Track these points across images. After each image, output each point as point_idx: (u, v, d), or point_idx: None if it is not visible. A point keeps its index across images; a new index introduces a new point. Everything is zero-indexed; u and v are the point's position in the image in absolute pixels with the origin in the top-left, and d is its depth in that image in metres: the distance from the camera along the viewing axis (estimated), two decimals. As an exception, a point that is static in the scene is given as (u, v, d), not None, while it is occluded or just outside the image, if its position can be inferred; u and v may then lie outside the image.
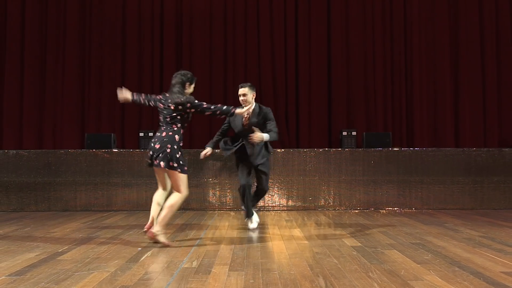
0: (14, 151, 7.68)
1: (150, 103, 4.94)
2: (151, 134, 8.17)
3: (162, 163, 4.55)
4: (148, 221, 4.75)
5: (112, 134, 8.09)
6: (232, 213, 7.20)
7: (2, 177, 7.56)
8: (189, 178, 7.44)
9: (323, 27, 9.16)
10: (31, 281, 3.32)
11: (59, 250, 4.38)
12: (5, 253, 4.27)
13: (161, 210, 4.75)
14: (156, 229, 4.59)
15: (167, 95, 4.85)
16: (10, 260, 3.98)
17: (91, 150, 7.65)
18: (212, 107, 4.78)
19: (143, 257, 4.08)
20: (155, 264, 3.82)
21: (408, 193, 7.60)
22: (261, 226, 5.88)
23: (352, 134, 8.24)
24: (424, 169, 7.62)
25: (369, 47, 9.12)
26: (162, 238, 4.60)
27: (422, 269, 3.63)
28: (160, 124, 4.82)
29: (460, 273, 3.51)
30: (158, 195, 4.90)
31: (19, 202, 7.54)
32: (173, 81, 4.91)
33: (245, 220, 5.77)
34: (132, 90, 9.03)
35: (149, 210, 7.06)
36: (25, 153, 7.66)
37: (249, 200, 5.55)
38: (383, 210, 7.52)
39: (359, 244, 4.66)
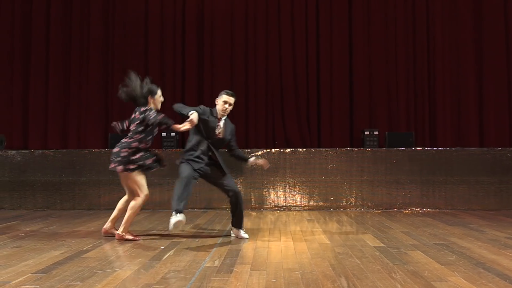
0: (40, 151, 7.83)
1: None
2: (173, 134, 8.24)
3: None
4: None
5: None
6: (254, 213, 7.21)
7: (28, 177, 7.71)
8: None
9: (344, 25, 9.11)
10: (56, 278, 3.38)
11: (84, 248, 4.45)
12: (32, 250, 4.36)
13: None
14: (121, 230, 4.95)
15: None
16: (36, 257, 4.06)
17: (114, 150, 7.73)
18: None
19: (166, 256, 4.12)
20: (178, 263, 3.85)
21: (432, 193, 7.50)
22: (283, 226, 5.88)
23: (374, 133, 8.17)
24: (448, 169, 7.52)
25: (391, 46, 9.03)
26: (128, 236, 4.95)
27: (446, 270, 3.59)
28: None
29: (486, 275, 3.45)
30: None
31: (44, 201, 7.68)
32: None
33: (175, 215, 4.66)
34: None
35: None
36: (51, 153, 7.80)
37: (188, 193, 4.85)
38: (406, 210, 7.44)
39: (382, 244, 4.63)
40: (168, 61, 9.19)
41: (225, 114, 5.07)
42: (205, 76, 9.14)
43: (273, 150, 7.70)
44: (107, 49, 9.25)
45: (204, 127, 4.99)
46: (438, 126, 8.84)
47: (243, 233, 5.07)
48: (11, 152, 7.81)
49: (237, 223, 5.08)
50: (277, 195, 7.57)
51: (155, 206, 7.56)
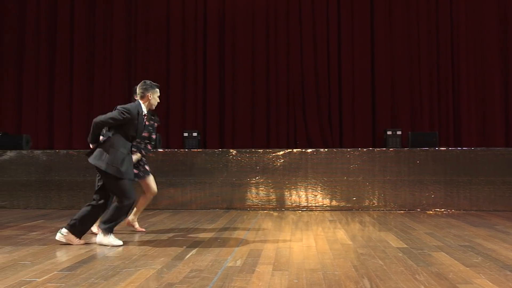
0: (65, 151, 7.96)
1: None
2: (195, 134, 8.29)
3: None
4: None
5: (158, 134, 8.23)
6: (275, 213, 7.21)
7: (53, 176, 7.84)
8: (233, 177, 7.56)
9: (366, 25, 9.05)
10: (81, 276, 3.43)
11: (107, 247, 4.50)
12: (57, 249, 4.43)
13: None
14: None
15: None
16: (61, 256, 4.13)
17: (137, 150, 7.81)
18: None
19: (188, 255, 4.15)
20: (200, 262, 3.87)
21: (456, 194, 7.38)
22: (304, 226, 5.86)
23: (397, 133, 8.09)
24: (472, 169, 7.39)
25: (414, 44, 8.93)
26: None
27: (471, 272, 3.53)
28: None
29: (512, 277, 3.39)
30: None
31: (69, 200, 7.80)
32: None
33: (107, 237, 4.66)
34: (175, 91, 9.27)
35: (194, 209, 7.17)
36: (75, 153, 7.92)
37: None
38: (429, 211, 7.34)
39: (405, 245, 4.57)
40: (189, 62, 9.26)
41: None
42: (226, 76, 9.18)
43: (294, 150, 7.68)
44: (130, 51, 9.37)
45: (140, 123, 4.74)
46: (463, 126, 8.71)
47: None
48: (37, 152, 7.95)
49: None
50: (299, 195, 7.54)
51: (177, 206, 7.62)
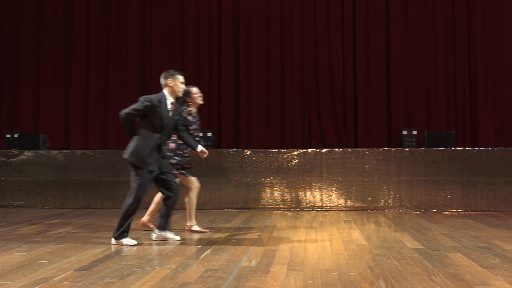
0: (81, 151, 8.04)
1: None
2: (209, 134, 8.31)
3: None
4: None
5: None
6: (290, 213, 7.20)
7: (70, 176, 7.93)
8: (248, 177, 7.56)
9: (381, 24, 8.98)
10: (97, 275, 3.46)
11: (123, 246, 4.54)
12: (74, 248, 4.48)
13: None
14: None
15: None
16: (78, 254, 4.18)
17: (152, 150, 7.86)
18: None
19: (203, 255, 4.16)
20: (215, 262, 3.88)
21: (473, 194, 7.30)
22: (319, 226, 5.84)
23: (413, 133, 8.02)
24: (490, 170, 7.30)
25: (430, 44, 8.84)
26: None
27: (489, 274, 3.48)
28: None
29: (531, 279, 3.34)
30: None
31: (85, 199, 7.88)
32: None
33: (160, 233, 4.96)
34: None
35: (208, 209, 7.21)
36: (91, 153, 8.00)
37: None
38: (446, 211, 7.27)
39: (421, 246, 4.54)
40: (204, 63, 9.28)
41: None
42: (241, 77, 9.18)
43: (309, 150, 7.67)
44: (145, 51, 9.43)
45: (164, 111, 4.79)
46: (480, 125, 8.60)
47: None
48: (54, 152, 8.05)
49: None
50: (314, 196, 7.53)
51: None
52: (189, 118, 5.33)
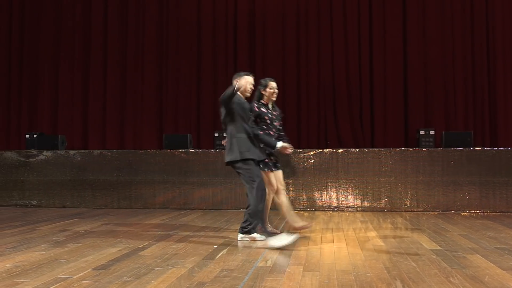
0: (98, 151, 8.12)
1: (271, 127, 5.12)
2: (225, 134, 8.31)
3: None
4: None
5: (189, 134, 8.32)
6: (306, 213, 7.18)
7: (87, 176, 8.01)
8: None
9: (398, 23, 8.91)
10: (114, 274, 3.49)
11: (140, 246, 4.58)
12: (91, 247, 4.53)
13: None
14: None
15: (264, 104, 5.13)
16: (95, 254, 4.22)
17: (168, 150, 7.92)
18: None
19: (219, 255, 4.17)
20: (231, 262, 3.88)
21: (492, 195, 7.20)
22: (335, 227, 5.81)
23: (430, 133, 7.94)
24: (509, 170, 7.19)
25: (448, 42, 8.74)
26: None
27: (508, 276, 3.43)
28: (272, 131, 5.09)
29: (552, 281, 3.28)
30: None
31: (103, 199, 7.96)
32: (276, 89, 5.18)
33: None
34: (207, 91, 9.34)
35: (224, 209, 7.22)
36: (108, 153, 8.07)
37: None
38: (464, 212, 7.18)
39: (439, 247, 4.49)
40: (220, 63, 9.31)
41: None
42: (257, 76, 9.16)
43: (325, 150, 7.64)
44: (161, 51, 9.49)
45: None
46: (499, 125, 8.48)
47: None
48: (72, 152, 8.14)
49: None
50: (330, 196, 7.50)
51: (208, 206, 7.67)
52: (262, 110, 5.13)
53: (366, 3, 8.99)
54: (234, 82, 4.85)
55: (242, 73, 4.98)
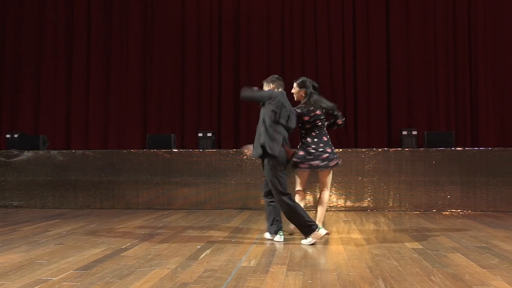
0: (81, 151, 8.04)
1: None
2: (209, 134, 8.31)
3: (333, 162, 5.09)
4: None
5: (172, 134, 8.28)
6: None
7: (69, 176, 7.93)
8: (247, 177, 7.56)
9: (381, 24, 8.99)
10: (96, 275, 3.46)
11: (123, 247, 4.54)
12: (73, 248, 4.48)
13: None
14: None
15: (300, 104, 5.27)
16: (77, 255, 4.17)
17: (152, 150, 7.88)
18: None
19: (202, 255, 4.16)
20: (214, 262, 3.88)
21: (473, 194, 7.29)
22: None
23: (413, 133, 8.02)
24: (490, 170, 7.29)
25: (431, 44, 8.85)
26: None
27: (488, 274, 3.48)
28: (310, 131, 5.20)
29: (530, 279, 3.34)
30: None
31: (85, 200, 7.88)
32: (311, 88, 5.31)
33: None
34: (191, 91, 9.32)
35: (208, 209, 7.19)
36: (91, 153, 8.00)
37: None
38: (445, 212, 7.27)
39: (420, 246, 4.53)
40: (205, 63, 9.30)
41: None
42: (241, 77, 9.19)
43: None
44: (146, 51, 9.45)
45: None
46: (480, 125, 8.61)
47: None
48: (53, 152, 8.05)
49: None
50: (313, 195, 7.52)
51: (192, 206, 7.65)
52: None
53: (350, 4, 9.04)
54: (268, 87, 5.19)
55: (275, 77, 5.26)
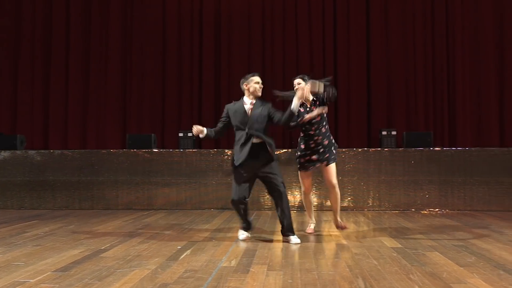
0: (59, 151, 7.93)
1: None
2: (190, 134, 8.27)
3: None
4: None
5: (153, 134, 8.23)
6: (270, 213, 7.21)
7: (48, 176, 7.82)
8: (228, 177, 7.54)
9: (362, 24, 9.06)
10: (75, 277, 3.42)
11: (102, 248, 4.50)
12: (51, 249, 4.42)
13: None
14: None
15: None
16: (55, 256, 4.12)
17: (132, 150, 7.81)
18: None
19: (183, 256, 4.14)
20: (194, 263, 3.86)
21: (450, 194, 7.41)
22: (299, 226, 5.86)
23: (392, 133, 8.11)
24: (467, 170, 7.42)
25: (410, 44, 8.95)
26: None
27: (465, 272, 3.54)
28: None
29: (506, 276, 3.40)
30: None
31: (64, 200, 7.78)
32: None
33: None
34: (171, 90, 9.26)
35: (188, 209, 7.17)
36: (69, 153, 7.90)
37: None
38: (424, 211, 7.37)
39: (399, 245, 4.59)
40: (185, 62, 9.25)
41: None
42: (222, 77, 9.17)
43: (290, 150, 7.68)
44: (125, 50, 9.36)
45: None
46: (458, 126, 8.74)
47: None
48: (31, 152, 7.93)
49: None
50: (294, 196, 7.55)
51: (172, 206, 7.61)
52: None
53: (330, 5, 9.10)
54: (241, 86, 5.01)
55: (247, 75, 5.04)
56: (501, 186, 7.35)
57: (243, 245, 4.66)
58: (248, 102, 4.95)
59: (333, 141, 5.23)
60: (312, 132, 5.10)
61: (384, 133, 8.15)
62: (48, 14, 9.44)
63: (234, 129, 4.98)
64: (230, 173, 5.04)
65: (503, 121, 8.73)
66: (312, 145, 5.13)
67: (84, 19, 9.42)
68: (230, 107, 5.03)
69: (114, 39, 9.33)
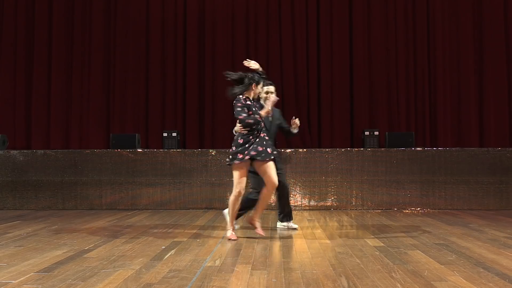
0: (42, 151, 7.86)
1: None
2: (174, 134, 8.26)
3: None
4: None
5: (137, 134, 8.21)
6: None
7: (30, 177, 7.74)
8: (212, 177, 7.56)
9: (345, 25, 9.14)
10: (58, 277, 3.40)
11: (86, 248, 4.48)
12: (34, 250, 4.39)
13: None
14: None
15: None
16: (38, 257, 4.09)
17: (116, 150, 7.78)
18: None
19: (167, 256, 4.15)
20: (179, 263, 3.87)
21: (432, 193, 7.52)
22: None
23: (375, 134, 8.20)
24: (447, 169, 7.54)
25: (392, 45, 9.06)
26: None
27: (446, 270, 3.61)
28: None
29: (485, 274, 3.47)
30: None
31: (47, 200, 7.71)
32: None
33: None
34: (155, 90, 9.23)
35: (173, 209, 7.16)
36: (53, 153, 7.83)
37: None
38: (406, 210, 7.46)
39: (382, 244, 4.65)
40: (169, 63, 9.23)
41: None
42: (206, 77, 9.17)
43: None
44: (109, 50, 9.30)
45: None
46: (439, 126, 8.87)
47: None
48: (13, 152, 7.84)
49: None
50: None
51: (156, 206, 7.59)
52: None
53: (314, 7, 9.15)
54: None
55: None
56: (480, 185, 7.48)
57: (227, 244, 4.68)
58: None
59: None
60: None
61: (366, 133, 8.25)
62: (31, 12, 9.33)
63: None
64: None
65: (482, 121, 8.89)
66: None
67: (67, 19, 9.34)
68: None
69: (97, 39, 9.27)
